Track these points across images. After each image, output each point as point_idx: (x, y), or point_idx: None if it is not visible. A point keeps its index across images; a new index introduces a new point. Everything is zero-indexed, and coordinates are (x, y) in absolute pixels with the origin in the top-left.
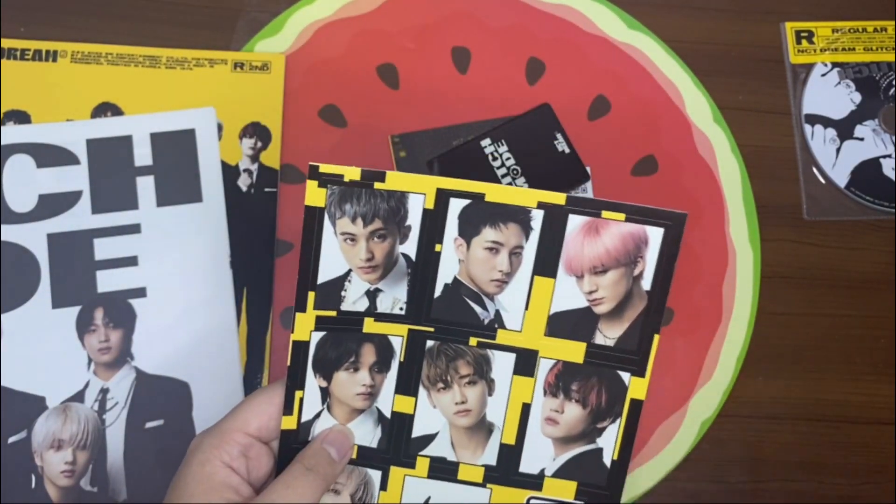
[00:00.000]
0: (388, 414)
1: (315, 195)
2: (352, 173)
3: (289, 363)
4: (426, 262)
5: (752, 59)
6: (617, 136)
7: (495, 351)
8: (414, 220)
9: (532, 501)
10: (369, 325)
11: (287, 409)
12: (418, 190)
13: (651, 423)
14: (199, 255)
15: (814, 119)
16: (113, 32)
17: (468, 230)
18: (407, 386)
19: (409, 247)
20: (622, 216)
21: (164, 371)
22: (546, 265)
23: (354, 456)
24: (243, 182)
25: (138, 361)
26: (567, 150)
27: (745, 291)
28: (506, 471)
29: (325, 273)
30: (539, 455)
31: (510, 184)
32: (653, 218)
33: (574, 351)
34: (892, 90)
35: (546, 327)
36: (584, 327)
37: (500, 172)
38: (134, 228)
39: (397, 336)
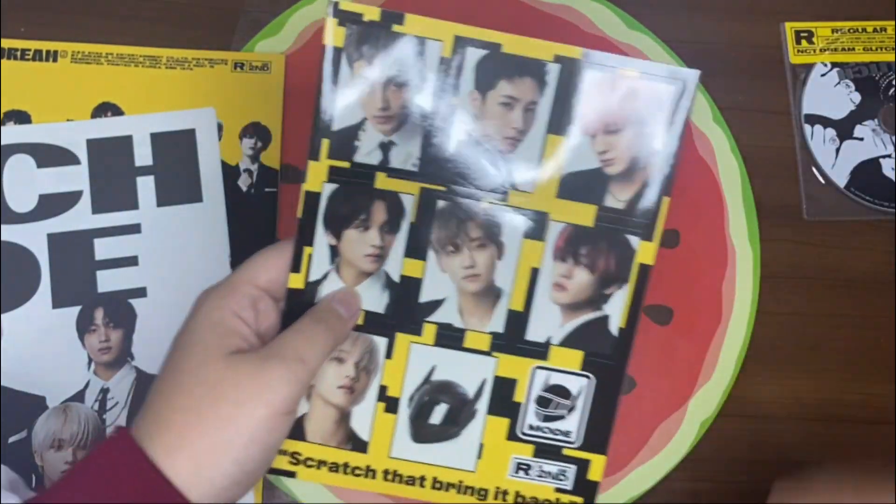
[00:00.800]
0: (396, 278)
1: (335, 34)
2: (371, 12)
3: (299, 215)
4: (441, 116)
5: (752, 59)
6: None
7: (506, 213)
8: (431, 68)
9: (537, 371)
10: (381, 181)
11: (295, 265)
12: (436, 36)
13: (651, 423)
14: (199, 255)
15: (813, 119)
16: (113, 32)
17: (484, 83)
18: (416, 249)
19: (425, 98)
20: (637, 73)
21: None
22: (560, 123)
23: (361, 321)
24: (243, 182)
25: (138, 361)
26: None
27: (745, 291)
28: (512, 339)
29: (340, 121)
30: (546, 322)
31: None
32: (666, 76)
33: (584, 214)
34: (892, 90)
35: (558, 189)
36: (595, 189)
37: None
38: (134, 228)
39: (409, 194)
